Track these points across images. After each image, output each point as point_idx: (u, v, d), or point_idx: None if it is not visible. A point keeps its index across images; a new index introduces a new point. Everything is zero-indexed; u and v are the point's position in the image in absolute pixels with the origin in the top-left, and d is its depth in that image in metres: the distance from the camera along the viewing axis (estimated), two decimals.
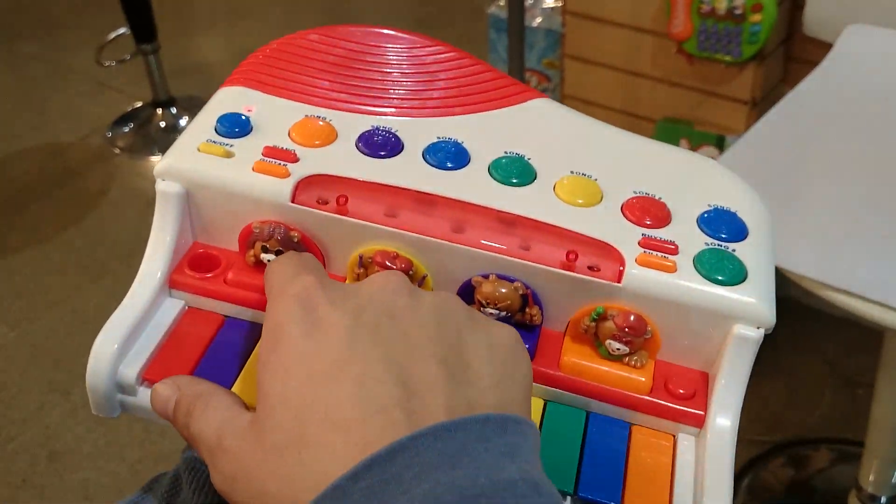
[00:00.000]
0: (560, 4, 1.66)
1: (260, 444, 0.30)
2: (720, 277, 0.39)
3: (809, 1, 1.31)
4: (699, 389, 0.40)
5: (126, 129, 2.27)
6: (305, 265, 0.36)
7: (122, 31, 2.21)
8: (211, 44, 2.69)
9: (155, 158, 2.18)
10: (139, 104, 2.32)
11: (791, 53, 1.48)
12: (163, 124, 2.27)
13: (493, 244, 0.40)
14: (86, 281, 1.82)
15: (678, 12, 1.40)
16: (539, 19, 1.72)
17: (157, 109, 2.27)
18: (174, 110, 2.27)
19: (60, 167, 2.16)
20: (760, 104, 1.46)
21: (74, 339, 1.68)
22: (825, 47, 1.22)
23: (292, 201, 0.41)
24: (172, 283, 0.43)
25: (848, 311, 0.86)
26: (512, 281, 0.40)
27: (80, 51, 2.48)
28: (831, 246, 0.91)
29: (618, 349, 0.40)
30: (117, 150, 2.20)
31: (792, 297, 1.67)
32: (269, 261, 0.42)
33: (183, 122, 2.26)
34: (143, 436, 1.51)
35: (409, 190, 0.41)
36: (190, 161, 0.42)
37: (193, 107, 2.27)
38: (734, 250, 0.41)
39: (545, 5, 1.73)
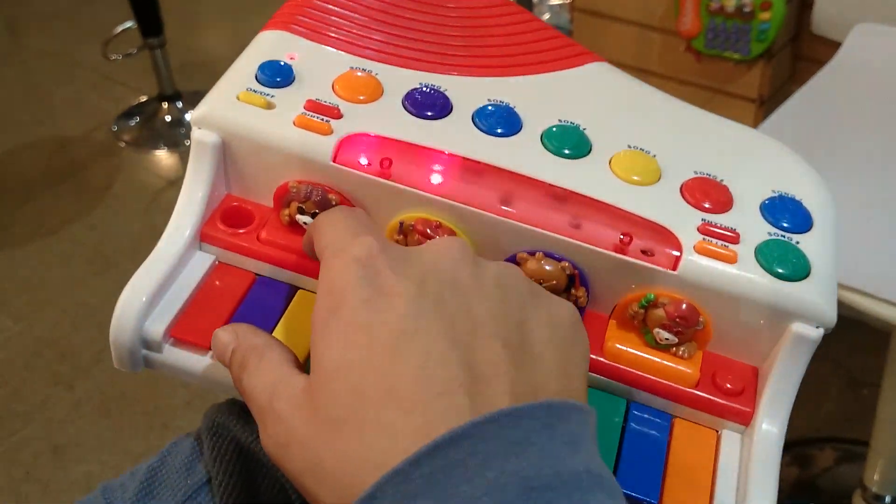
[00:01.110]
0: (568, 1, 1.66)
1: (314, 414, 0.29)
2: (782, 271, 0.37)
3: None
4: (748, 385, 0.38)
5: (132, 123, 2.26)
6: (362, 223, 0.35)
7: (128, 24, 2.20)
8: (217, 38, 2.69)
9: (160, 153, 2.18)
10: (145, 98, 2.32)
11: (799, 52, 1.47)
12: (168, 119, 2.26)
13: (543, 221, 0.38)
14: (90, 274, 1.82)
15: (687, 10, 1.40)
16: (547, 16, 1.71)
17: (163, 104, 2.27)
18: (180, 105, 2.27)
19: (66, 161, 2.16)
20: (768, 102, 1.46)
21: (79, 332, 1.68)
22: (833, 46, 1.21)
23: (334, 160, 0.39)
24: (203, 236, 0.41)
25: (857, 309, 0.86)
26: (559, 260, 0.38)
27: (86, 45, 2.48)
28: (840, 244, 0.91)
29: (666, 339, 0.38)
30: (123, 144, 2.20)
31: None
32: (305, 223, 0.40)
33: (189, 116, 2.26)
34: (146, 429, 1.51)
35: (456, 156, 0.39)
36: (229, 110, 0.40)
37: (199, 102, 2.27)
38: (798, 242, 0.38)
39: (553, 2, 1.73)
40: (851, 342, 1.59)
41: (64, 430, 1.52)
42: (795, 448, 1.47)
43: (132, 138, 2.23)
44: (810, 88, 1.12)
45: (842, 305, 0.87)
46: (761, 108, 1.45)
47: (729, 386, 0.38)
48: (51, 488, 1.44)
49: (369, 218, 0.36)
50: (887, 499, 1.22)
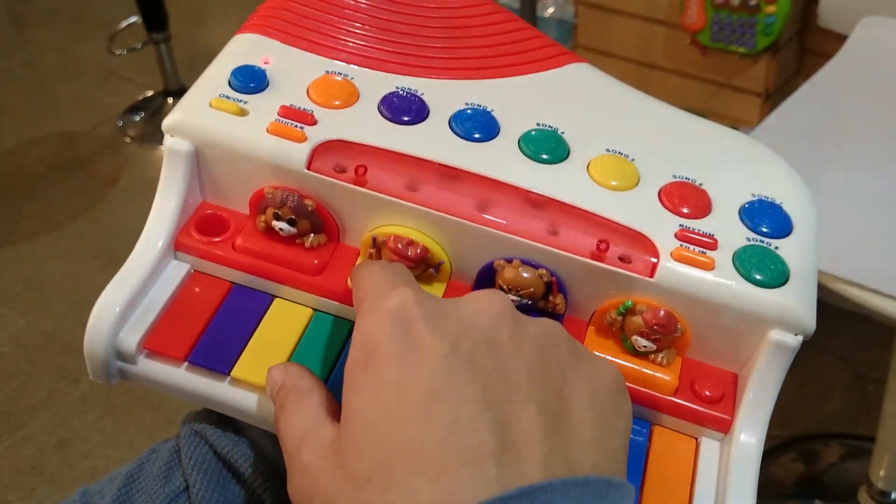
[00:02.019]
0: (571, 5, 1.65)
1: (340, 468, 0.29)
2: (760, 278, 0.37)
3: None
4: (727, 392, 0.38)
5: (137, 119, 2.27)
6: (400, 275, 0.34)
7: (133, 19, 2.21)
8: (222, 33, 2.69)
9: None
10: (150, 93, 2.32)
11: (805, 45, 1.47)
12: None
13: (520, 228, 0.38)
14: (96, 269, 1.82)
15: (692, 3, 1.39)
16: (551, 9, 1.71)
17: (168, 99, 2.27)
18: None
19: (71, 156, 2.16)
20: (774, 96, 1.45)
21: (84, 327, 1.67)
22: (840, 39, 1.20)
23: (308, 168, 0.39)
24: (178, 245, 0.40)
25: (862, 305, 0.85)
26: (536, 267, 0.38)
27: (91, 40, 2.48)
28: (845, 240, 0.90)
29: (644, 346, 0.37)
30: (128, 139, 2.20)
31: None
32: (281, 229, 0.39)
33: None
34: (151, 424, 1.52)
35: (432, 162, 0.39)
36: (201, 117, 0.40)
37: None
38: (777, 248, 0.38)
39: None
40: (857, 338, 1.58)
41: (69, 425, 1.52)
42: (801, 444, 1.47)
43: (137, 133, 2.23)
44: (816, 82, 1.12)
45: (848, 301, 0.86)
46: (767, 101, 1.45)
47: (708, 393, 0.37)
48: (56, 482, 1.44)
49: (407, 270, 0.35)
50: (893, 495, 1.22)
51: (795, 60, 1.48)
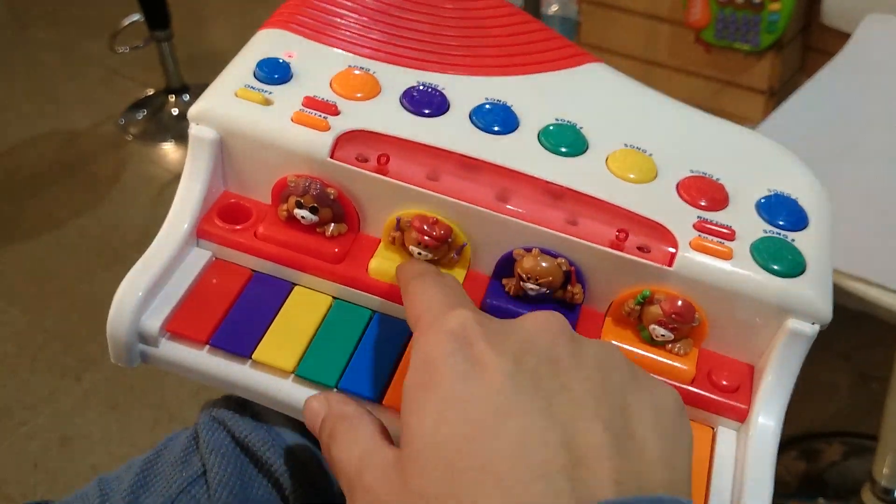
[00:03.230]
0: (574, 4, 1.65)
1: (405, 489, 0.29)
2: (778, 268, 0.37)
3: None
4: (744, 382, 0.38)
5: (139, 117, 2.27)
6: (455, 293, 0.34)
7: (135, 17, 2.20)
8: (224, 31, 2.69)
9: (167, 146, 2.18)
10: (152, 91, 2.32)
11: (809, 43, 1.47)
12: (175, 112, 2.26)
13: (539, 217, 0.38)
14: (98, 266, 1.82)
15: (696, 0, 1.39)
16: (555, 7, 1.71)
17: (170, 97, 2.27)
18: (187, 98, 2.27)
19: (73, 154, 2.16)
20: (778, 94, 1.45)
21: (86, 324, 1.68)
22: (844, 37, 1.20)
23: (331, 157, 0.39)
24: (200, 232, 0.41)
25: (866, 300, 0.85)
26: (555, 256, 0.38)
27: (93, 38, 2.48)
28: (850, 235, 0.90)
29: (662, 335, 0.38)
30: (130, 137, 2.20)
31: None
32: (303, 217, 0.40)
33: None
34: (153, 421, 1.52)
35: (453, 153, 0.40)
36: (226, 106, 0.41)
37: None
38: (793, 240, 0.39)
39: None
40: (860, 336, 1.58)
41: (72, 422, 1.52)
42: (804, 442, 1.47)
43: (139, 131, 2.23)
44: (820, 79, 1.12)
45: (851, 297, 0.86)
46: (771, 99, 1.45)
47: (725, 383, 0.38)
48: (58, 479, 1.44)
49: (459, 284, 0.36)
50: None
51: (799, 58, 1.48)
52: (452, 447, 0.28)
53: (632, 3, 1.52)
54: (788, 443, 1.46)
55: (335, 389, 0.38)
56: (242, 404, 0.41)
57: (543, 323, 0.32)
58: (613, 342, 0.33)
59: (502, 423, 0.28)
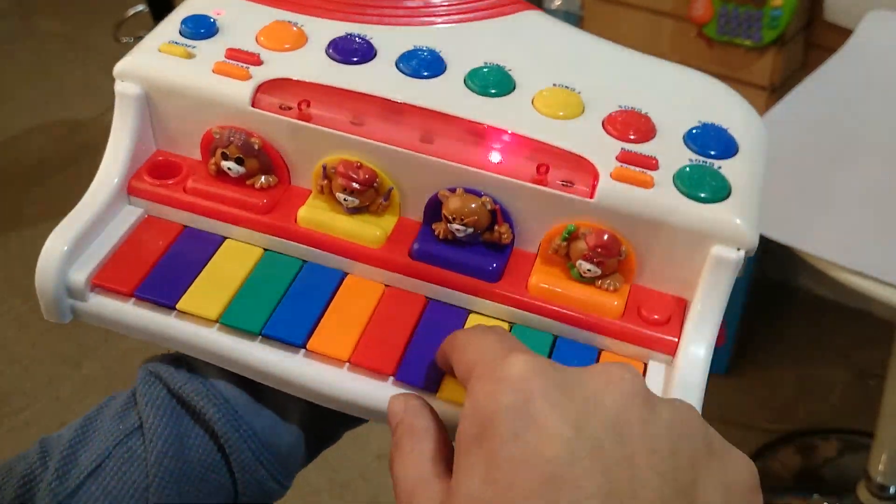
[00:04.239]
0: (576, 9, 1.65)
1: None
2: (700, 194, 0.37)
3: None
4: (674, 315, 0.38)
5: None
6: (509, 338, 0.32)
7: (140, 8, 2.20)
8: None
9: None
10: None
11: (812, 40, 1.46)
12: None
13: (462, 156, 0.38)
14: None
15: None
16: (558, 2, 1.71)
17: None
18: None
19: (77, 143, 2.16)
20: (780, 90, 1.45)
21: None
22: (846, 34, 1.20)
23: (252, 105, 0.39)
24: (131, 189, 0.41)
25: (862, 293, 0.86)
26: (480, 196, 0.38)
27: (97, 28, 2.48)
28: (847, 229, 0.90)
29: (589, 270, 0.37)
30: None
31: (804, 287, 1.66)
32: (229, 168, 0.40)
33: None
34: None
35: (376, 97, 0.39)
36: (149, 61, 0.41)
37: None
38: (720, 167, 0.38)
39: None
40: (858, 334, 1.58)
41: (71, 409, 1.52)
42: (800, 438, 1.47)
43: None
44: (821, 75, 1.12)
45: (851, 292, 0.86)
46: (773, 95, 1.45)
47: (656, 317, 0.37)
48: None
49: (511, 335, 0.34)
50: (892, 489, 1.22)
51: (802, 54, 1.48)
52: None
53: None
54: (784, 439, 1.46)
55: (259, 336, 0.38)
56: (178, 358, 0.41)
57: (616, 379, 0.29)
58: (691, 405, 0.30)
59: (551, 493, 0.26)
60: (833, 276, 0.87)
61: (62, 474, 0.38)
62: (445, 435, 0.33)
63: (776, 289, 1.66)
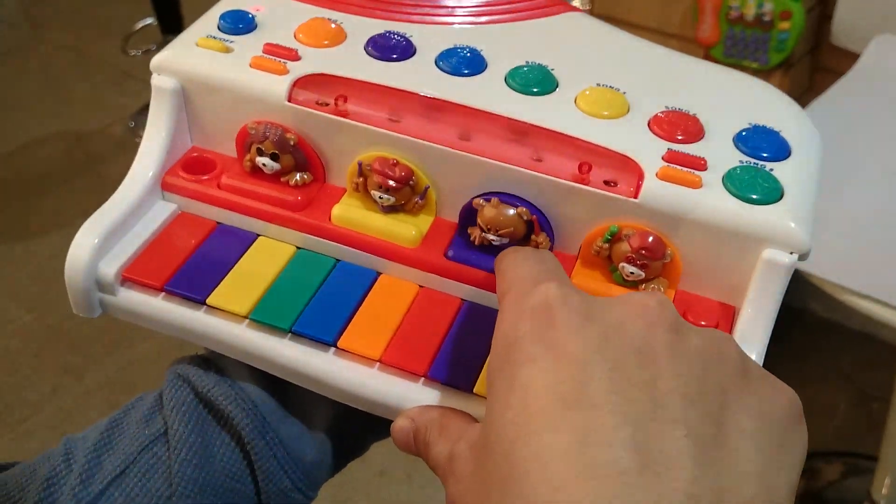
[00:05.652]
0: (587, 8, 1.66)
1: (478, 471, 0.27)
2: (751, 196, 0.35)
3: (838, 10, 1.31)
4: (722, 322, 0.36)
5: None
6: (547, 267, 0.31)
7: (148, 21, 2.21)
8: None
9: None
10: None
11: (818, 63, 1.47)
12: None
13: (501, 154, 0.37)
14: None
15: (706, 17, 1.40)
16: None
17: None
18: None
19: (83, 155, 2.17)
20: None
21: (89, 323, 1.68)
22: (853, 58, 1.21)
23: (288, 100, 0.39)
24: (165, 185, 0.41)
25: (869, 317, 0.86)
26: (516, 206, 0.37)
27: (106, 40, 2.49)
28: (854, 252, 0.90)
29: (632, 273, 0.36)
30: (139, 140, 2.19)
31: (809, 309, 1.66)
32: (264, 164, 0.39)
33: None
34: None
35: (414, 94, 0.38)
36: (186, 55, 0.40)
37: None
38: (772, 169, 0.36)
39: None
40: (862, 357, 1.58)
41: (73, 420, 1.52)
42: None
43: None
44: (827, 98, 1.12)
45: (857, 314, 0.86)
46: None
47: (703, 323, 0.35)
48: None
49: (555, 260, 0.32)
50: None
51: (808, 77, 1.48)
52: (510, 436, 0.26)
53: (641, 18, 1.52)
54: None
55: (289, 332, 0.37)
56: (207, 360, 0.41)
57: (639, 306, 0.28)
58: (726, 334, 0.29)
59: (562, 415, 0.25)
60: (840, 299, 0.87)
61: (86, 479, 0.38)
62: (463, 411, 0.33)
63: (780, 311, 1.66)
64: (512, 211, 0.37)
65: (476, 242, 0.38)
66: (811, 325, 1.65)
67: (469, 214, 0.38)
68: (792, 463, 0.27)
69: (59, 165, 2.13)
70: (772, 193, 0.35)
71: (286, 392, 0.40)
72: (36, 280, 1.80)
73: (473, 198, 0.37)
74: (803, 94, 1.49)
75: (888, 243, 0.92)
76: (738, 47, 1.39)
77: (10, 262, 1.84)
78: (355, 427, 0.41)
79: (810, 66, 1.48)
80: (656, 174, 0.35)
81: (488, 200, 0.37)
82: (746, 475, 0.25)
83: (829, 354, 1.62)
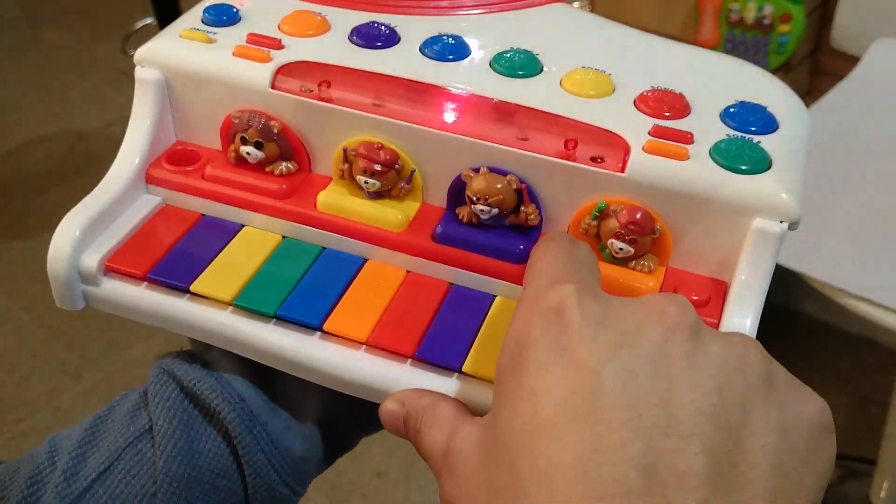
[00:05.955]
0: (587, 10, 1.66)
1: (481, 471, 0.27)
2: (739, 166, 0.34)
3: (838, 13, 1.31)
4: (713, 297, 0.35)
5: None
6: (572, 264, 0.30)
7: (148, 21, 2.22)
8: None
9: None
10: None
11: (818, 66, 1.47)
12: None
13: (486, 134, 0.37)
14: None
15: (706, 20, 1.40)
16: None
17: None
18: None
19: (82, 154, 2.17)
20: None
21: (87, 323, 1.68)
22: (853, 61, 1.21)
23: (272, 87, 0.39)
24: (149, 177, 0.41)
25: (867, 320, 0.85)
26: (505, 174, 0.36)
27: (105, 40, 2.49)
28: (852, 255, 0.90)
29: (621, 250, 0.35)
30: None
31: (807, 313, 1.66)
32: (248, 153, 0.39)
33: None
34: None
35: (398, 78, 0.38)
36: (169, 47, 0.40)
37: None
38: (759, 142, 0.36)
39: None
40: (860, 361, 1.58)
41: (70, 420, 1.52)
42: None
43: None
44: (827, 102, 1.12)
45: (855, 318, 0.86)
46: None
47: (694, 298, 0.35)
48: None
49: (589, 252, 0.32)
50: None
51: (808, 81, 1.49)
52: (516, 444, 0.25)
53: (642, 21, 1.52)
54: None
55: (274, 317, 0.37)
56: (193, 355, 0.40)
57: (658, 311, 0.27)
58: (753, 338, 0.27)
59: (570, 427, 0.24)
60: (839, 302, 0.87)
61: (69, 476, 0.38)
62: (452, 398, 0.32)
63: (777, 313, 1.66)
64: (501, 180, 0.36)
65: (465, 220, 0.38)
66: (809, 329, 1.65)
67: (457, 192, 0.38)
68: (815, 479, 0.25)
69: (58, 165, 2.13)
70: (760, 163, 0.35)
71: (274, 385, 0.39)
72: (34, 280, 1.80)
73: (462, 172, 0.37)
74: (803, 97, 1.49)
75: (887, 247, 0.92)
76: (739, 50, 1.39)
77: (9, 261, 1.84)
78: (344, 420, 0.41)
79: (810, 69, 1.48)
80: (643, 148, 0.35)
81: (476, 171, 0.37)
82: (760, 495, 0.24)
83: (827, 358, 1.62)
